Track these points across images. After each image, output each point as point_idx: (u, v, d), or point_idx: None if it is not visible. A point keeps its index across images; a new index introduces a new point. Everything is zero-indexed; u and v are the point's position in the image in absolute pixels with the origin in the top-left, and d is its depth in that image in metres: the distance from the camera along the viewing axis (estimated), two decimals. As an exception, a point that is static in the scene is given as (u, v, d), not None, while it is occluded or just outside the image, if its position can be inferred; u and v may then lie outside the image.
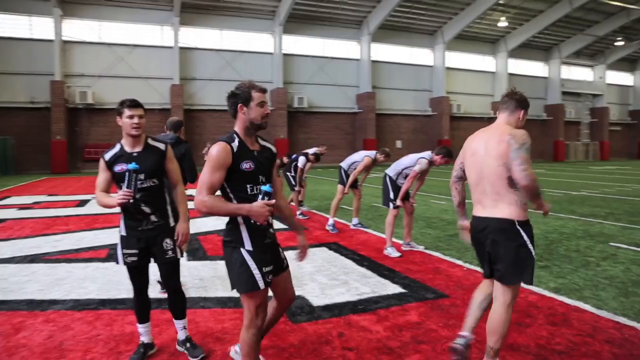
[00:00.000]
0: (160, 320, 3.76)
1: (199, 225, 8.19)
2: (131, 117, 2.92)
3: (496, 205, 2.73)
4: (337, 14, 28.51)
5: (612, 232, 7.52)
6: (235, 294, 3.12)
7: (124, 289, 4.50)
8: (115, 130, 25.20)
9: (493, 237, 2.76)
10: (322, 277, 4.98)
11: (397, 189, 6.23)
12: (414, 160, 6.04)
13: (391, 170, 6.35)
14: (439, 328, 3.58)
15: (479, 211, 2.85)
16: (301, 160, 9.55)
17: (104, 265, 5.49)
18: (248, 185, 2.41)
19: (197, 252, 6.14)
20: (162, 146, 3.07)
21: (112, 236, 7.22)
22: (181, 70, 25.94)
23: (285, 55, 28.04)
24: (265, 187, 2.31)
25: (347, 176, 8.01)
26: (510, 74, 35.62)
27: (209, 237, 7.12)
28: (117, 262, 3.16)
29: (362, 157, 7.86)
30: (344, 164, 8.28)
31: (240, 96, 2.44)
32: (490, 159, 2.74)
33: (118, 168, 2.94)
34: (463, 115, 34.19)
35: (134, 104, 2.95)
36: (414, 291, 4.48)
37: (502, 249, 2.73)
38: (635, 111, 43.28)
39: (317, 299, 4.21)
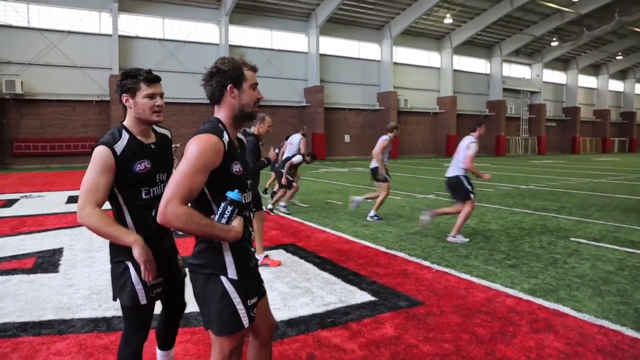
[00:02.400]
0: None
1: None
2: (152, 96, 2.14)
3: None
4: (285, 5, 27.88)
5: (568, 226, 7.52)
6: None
7: (51, 308, 3.84)
8: (50, 123, 23.44)
9: None
10: (282, 285, 4.51)
11: (469, 180, 6.51)
12: (465, 149, 6.44)
13: (457, 170, 6.48)
14: (420, 343, 3.20)
15: None
16: (298, 158, 9.34)
17: (28, 278, 4.74)
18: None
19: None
20: (168, 133, 2.39)
21: (42, 241, 6.39)
22: (121, 59, 24.41)
23: (231, 46, 27.09)
24: (235, 195, 1.79)
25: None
26: (455, 70, 36.38)
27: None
28: (126, 303, 2.15)
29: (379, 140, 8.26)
30: None
31: (229, 74, 1.87)
32: None
33: (139, 167, 2.11)
34: (410, 110, 34.59)
35: (153, 77, 2.15)
36: (385, 298, 4.10)
37: None
38: (568, 108, 45.56)
39: (280, 312, 3.74)
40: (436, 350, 3.08)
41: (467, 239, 6.45)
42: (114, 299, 2.21)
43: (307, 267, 5.18)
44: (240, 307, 1.84)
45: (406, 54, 34.47)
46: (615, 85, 49.15)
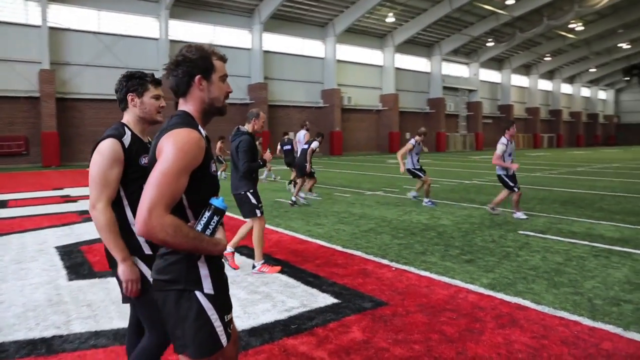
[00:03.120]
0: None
1: (78, 232, 6.94)
2: (157, 97, 2.30)
3: None
4: (227, 0, 27.24)
5: (515, 220, 7.76)
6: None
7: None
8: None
9: None
10: (240, 291, 4.28)
11: (510, 176, 7.83)
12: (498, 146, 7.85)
13: (497, 169, 7.95)
14: (390, 346, 3.10)
15: None
16: (315, 143, 10.16)
17: (-50, 294, 4.22)
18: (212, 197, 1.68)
19: (81, 268, 5.05)
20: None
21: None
22: (52, 53, 22.88)
23: (172, 42, 26.12)
24: (220, 203, 1.58)
25: None
26: (397, 69, 37.11)
27: (94, 247, 5.99)
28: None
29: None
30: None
31: (197, 63, 1.67)
32: None
33: (144, 160, 2.14)
34: (353, 108, 34.93)
35: (159, 80, 2.31)
36: (348, 300, 3.98)
37: None
38: (503, 106, 47.74)
39: (241, 321, 3.52)
40: (408, 352, 2.99)
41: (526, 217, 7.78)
42: (126, 302, 2.19)
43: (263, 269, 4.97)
44: (217, 325, 1.62)
45: (350, 52, 34.74)
46: (544, 84, 52.06)
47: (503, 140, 7.85)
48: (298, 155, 10.49)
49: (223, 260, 5.01)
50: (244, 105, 29.53)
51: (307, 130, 11.72)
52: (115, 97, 2.35)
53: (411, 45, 37.36)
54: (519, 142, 48.76)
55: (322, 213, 8.58)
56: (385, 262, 5.25)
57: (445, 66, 40.97)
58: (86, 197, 10.88)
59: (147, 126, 2.32)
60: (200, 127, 1.67)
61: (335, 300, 3.97)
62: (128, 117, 2.28)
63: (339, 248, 5.92)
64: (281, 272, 4.87)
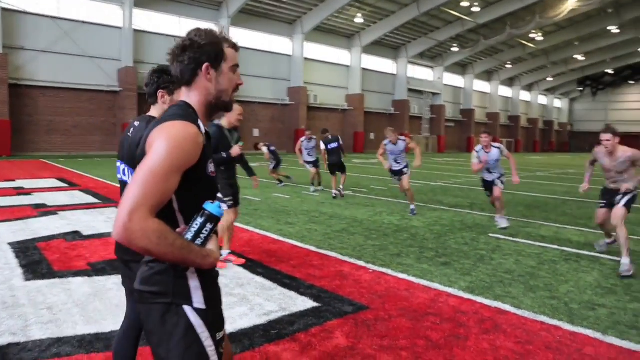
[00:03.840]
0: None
1: (34, 227, 6.52)
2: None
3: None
4: (194, -9, 26.61)
5: (484, 222, 7.84)
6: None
7: None
8: None
9: None
10: (214, 292, 4.07)
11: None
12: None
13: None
14: (377, 352, 2.99)
15: None
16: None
17: None
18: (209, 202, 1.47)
19: (39, 267, 4.70)
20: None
21: None
22: (5, 37, 21.66)
23: (136, 31, 25.29)
24: (215, 209, 1.38)
25: None
26: (364, 69, 37.32)
27: (52, 244, 5.61)
28: None
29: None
30: None
31: (206, 50, 1.47)
32: None
33: None
34: (319, 106, 34.88)
35: None
36: (328, 304, 3.85)
37: None
38: (465, 110, 48.88)
39: (217, 325, 3.32)
40: (395, 359, 2.89)
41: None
42: None
43: (237, 270, 4.78)
44: (208, 344, 1.43)
45: (317, 51, 34.66)
46: (505, 91, 53.63)
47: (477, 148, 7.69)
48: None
49: (227, 261, 4.93)
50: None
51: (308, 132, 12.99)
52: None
53: (378, 47, 37.65)
54: (479, 146, 50.03)
55: (292, 212, 8.42)
56: (361, 263, 5.15)
57: (411, 69, 41.54)
58: (43, 190, 10.35)
59: None
60: (199, 122, 1.47)
61: (315, 304, 3.84)
62: (156, 113, 2.25)
63: (313, 248, 5.79)
64: (256, 272, 4.70)
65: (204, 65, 1.48)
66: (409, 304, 3.91)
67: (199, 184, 1.41)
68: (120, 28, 25.14)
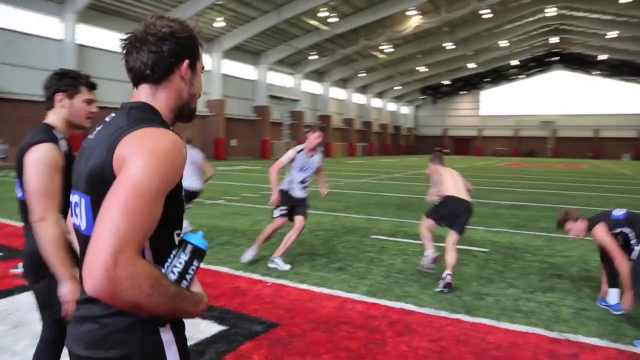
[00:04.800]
0: None
1: None
2: (90, 102, 2.11)
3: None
4: (30, -19, 23.51)
5: (362, 224, 8.13)
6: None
7: None
8: None
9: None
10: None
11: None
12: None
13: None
14: (302, 372, 2.82)
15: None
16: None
17: None
18: (176, 232, 1.14)
19: None
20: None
21: None
22: None
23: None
24: (200, 241, 1.10)
25: None
26: (224, 75, 36.70)
27: None
28: None
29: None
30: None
31: (186, 44, 1.19)
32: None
33: None
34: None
35: (94, 84, 2.14)
36: (235, 325, 3.56)
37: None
38: (323, 116, 50.92)
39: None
40: (323, 377, 2.76)
41: None
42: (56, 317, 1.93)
43: (120, 297, 4.21)
44: None
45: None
46: (359, 98, 57.15)
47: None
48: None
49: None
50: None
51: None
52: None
53: (239, 52, 37.32)
54: (337, 150, 52.56)
55: (168, 226, 7.80)
56: (256, 277, 4.92)
57: (271, 75, 41.97)
58: None
59: (72, 130, 2.11)
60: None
61: (221, 327, 3.52)
62: (54, 118, 2.06)
63: (201, 265, 5.37)
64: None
65: (185, 62, 1.19)
66: (318, 315, 3.81)
67: (172, 209, 1.09)
68: None
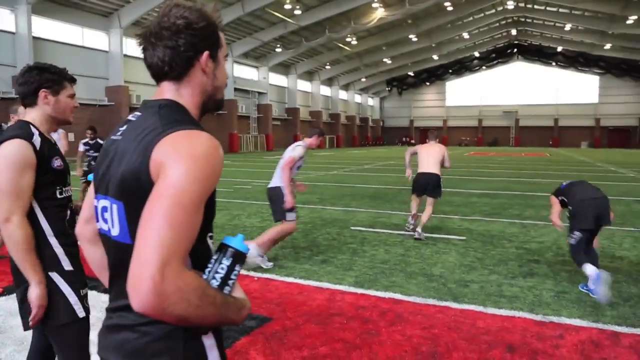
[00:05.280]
0: None
1: None
2: (73, 96, 2.06)
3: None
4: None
5: (340, 216, 8.17)
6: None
7: None
8: None
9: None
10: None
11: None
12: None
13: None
14: (302, 365, 2.83)
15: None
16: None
17: None
18: (209, 235, 1.10)
19: None
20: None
21: None
22: None
23: None
24: (240, 244, 1.04)
25: None
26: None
27: None
28: (65, 320, 1.88)
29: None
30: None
31: (204, 34, 1.12)
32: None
33: (57, 163, 1.92)
34: (145, 107, 32.62)
35: (74, 78, 2.10)
36: (228, 320, 3.53)
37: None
38: (290, 109, 50.75)
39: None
40: (323, 369, 2.77)
41: None
42: (30, 328, 1.90)
43: (104, 299, 4.10)
44: None
45: (138, 47, 32.19)
46: (325, 90, 57.17)
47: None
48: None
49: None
50: (9, 100, 24.69)
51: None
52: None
53: (203, 45, 36.70)
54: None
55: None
56: (242, 272, 4.87)
57: (237, 68, 41.45)
58: None
59: (54, 127, 2.02)
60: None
61: (214, 323, 3.48)
62: (34, 115, 1.95)
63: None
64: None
65: (204, 54, 1.12)
66: (309, 307, 3.82)
67: (207, 212, 1.04)
68: None
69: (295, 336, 3.25)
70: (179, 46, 1.09)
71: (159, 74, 1.14)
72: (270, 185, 5.28)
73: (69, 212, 1.96)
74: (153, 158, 0.98)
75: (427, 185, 6.56)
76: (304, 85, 53.01)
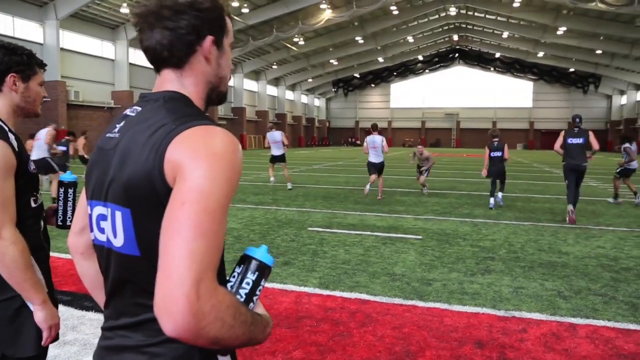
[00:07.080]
0: None
1: None
2: (42, 84, 1.76)
3: None
4: None
5: (296, 217, 8.12)
6: None
7: None
8: None
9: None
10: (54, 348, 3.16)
11: None
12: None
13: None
14: (277, 371, 2.75)
15: None
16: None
17: None
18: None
19: None
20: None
21: None
22: None
23: None
24: (264, 255, 0.95)
25: None
26: (132, 64, 34.72)
27: None
28: (28, 352, 1.58)
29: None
30: None
31: (208, 17, 0.99)
32: None
33: (32, 166, 1.65)
34: (82, 104, 31.02)
35: (44, 63, 1.81)
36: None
37: None
38: (236, 108, 50.14)
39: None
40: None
41: None
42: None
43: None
44: None
45: (76, 41, 30.65)
46: (272, 90, 56.89)
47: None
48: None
49: None
50: None
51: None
52: None
53: (146, 41, 35.46)
54: (251, 142, 52.05)
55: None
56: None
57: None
58: None
59: (19, 120, 1.74)
60: None
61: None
62: (0, 106, 1.65)
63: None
64: (82, 307, 3.84)
65: (208, 39, 1.00)
66: (276, 310, 3.74)
67: (225, 219, 0.94)
68: None
69: (266, 341, 3.16)
70: (180, 28, 0.97)
71: (157, 60, 1.01)
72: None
73: (42, 223, 1.69)
74: (167, 159, 0.87)
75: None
76: (250, 84, 52.54)
